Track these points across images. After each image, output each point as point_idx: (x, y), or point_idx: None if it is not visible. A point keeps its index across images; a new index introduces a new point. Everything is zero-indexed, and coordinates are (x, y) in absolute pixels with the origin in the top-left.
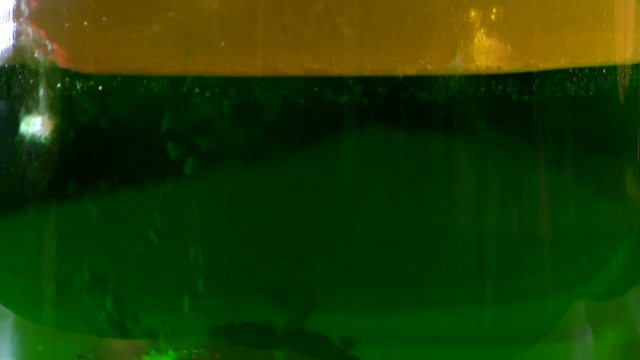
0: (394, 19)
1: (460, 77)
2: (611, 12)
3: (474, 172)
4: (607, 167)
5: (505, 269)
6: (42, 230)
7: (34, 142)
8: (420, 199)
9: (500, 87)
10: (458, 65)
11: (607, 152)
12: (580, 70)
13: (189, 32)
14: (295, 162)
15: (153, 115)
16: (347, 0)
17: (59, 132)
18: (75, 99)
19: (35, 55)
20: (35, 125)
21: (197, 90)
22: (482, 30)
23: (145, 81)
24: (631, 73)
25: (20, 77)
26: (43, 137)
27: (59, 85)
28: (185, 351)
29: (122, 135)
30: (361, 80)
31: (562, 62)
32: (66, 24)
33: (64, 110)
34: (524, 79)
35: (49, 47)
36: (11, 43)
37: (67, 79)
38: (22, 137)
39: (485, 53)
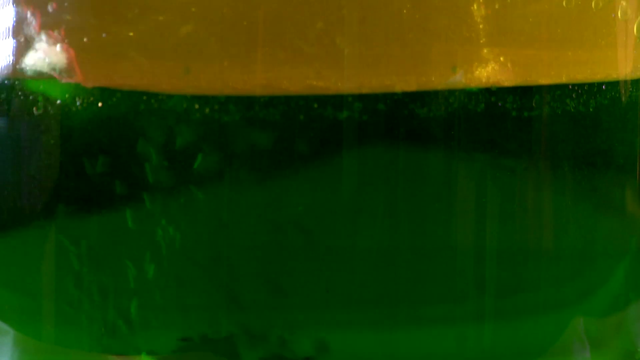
0: (394, 35)
1: (460, 93)
2: (611, 29)
3: (474, 189)
4: (607, 184)
5: (505, 286)
6: (43, 247)
7: (33, 159)
8: (420, 215)
9: (500, 104)
10: (458, 81)
11: (606, 168)
12: (580, 86)
13: (188, 48)
14: (295, 177)
15: (153, 131)
16: (347, 18)
17: (58, 148)
18: (75, 114)
19: (36, 71)
20: (34, 142)
21: (196, 106)
22: (481, 46)
23: (145, 97)
24: (631, 89)
25: (20, 92)
26: (42, 153)
27: (58, 101)
28: None
29: (122, 151)
30: (361, 96)
31: (561, 78)
32: (66, 40)
33: (64, 126)
34: (524, 95)
35: (49, 63)
36: (11, 59)
37: (66, 95)
38: (21, 154)
39: (484, 69)
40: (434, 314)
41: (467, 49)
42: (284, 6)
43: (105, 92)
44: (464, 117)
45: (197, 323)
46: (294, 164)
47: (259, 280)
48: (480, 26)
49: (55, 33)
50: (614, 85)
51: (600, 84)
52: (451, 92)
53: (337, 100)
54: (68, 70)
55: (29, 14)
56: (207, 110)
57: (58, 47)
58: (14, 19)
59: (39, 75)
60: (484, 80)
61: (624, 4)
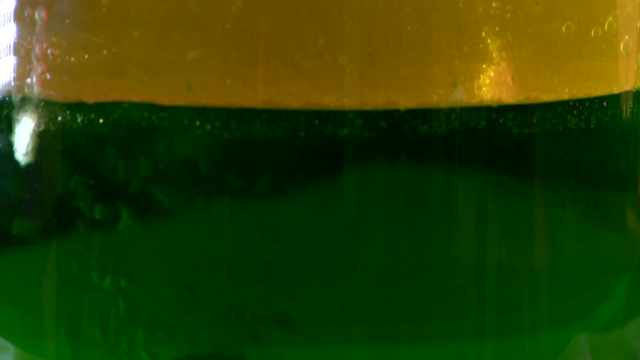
0: (395, 52)
1: (461, 110)
2: (612, 46)
3: (475, 205)
4: (608, 200)
5: (507, 302)
6: (44, 264)
7: (34, 176)
8: (421, 231)
9: (501, 120)
10: (459, 98)
11: (607, 184)
12: (581, 102)
13: (190, 65)
14: (296, 194)
15: (154, 147)
16: (348, 35)
17: (59, 165)
18: (76, 131)
19: (37, 87)
20: (35, 158)
21: (197, 123)
22: (482, 63)
23: (146, 114)
24: (632, 106)
25: (21, 109)
26: (43, 170)
27: (59, 117)
28: None
29: (122, 168)
30: (362, 113)
31: (562, 94)
32: (67, 56)
33: (64, 142)
34: (525, 111)
35: (50, 80)
36: (12, 76)
37: (68, 111)
38: (22, 171)
39: (486, 86)
40: (436, 331)
41: (469, 66)
42: (285, 23)
43: (106, 109)
44: (465, 134)
45: (202, 342)
46: (295, 180)
47: (261, 296)
48: (482, 43)
49: (57, 50)
50: (614, 101)
51: (601, 101)
52: (452, 109)
53: (338, 117)
54: (69, 86)
55: (30, 31)
56: (208, 126)
57: (59, 63)
58: (15, 35)
59: (40, 92)
60: (485, 97)
61: (625, 21)
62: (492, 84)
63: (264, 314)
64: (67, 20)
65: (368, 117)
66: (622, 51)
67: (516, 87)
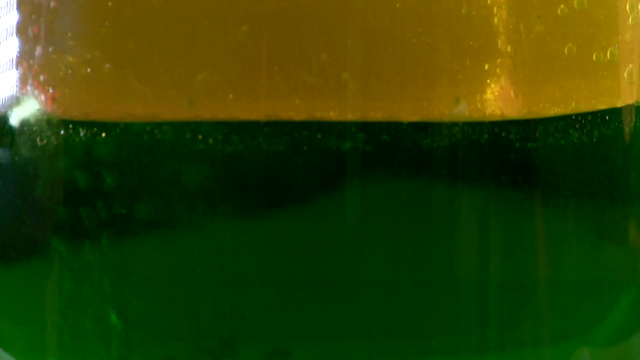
0: (398, 66)
1: (464, 124)
2: (615, 60)
3: (477, 219)
4: (611, 214)
5: (510, 318)
6: (46, 279)
7: (35, 191)
8: (424, 245)
9: (503, 134)
10: (461, 112)
11: (610, 199)
12: (584, 116)
13: (192, 79)
14: (298, 207)
15: (156, 162)
16: (351, 49)
17: (61, 180)
18: (78, 146)
19: (38, 102)
20: (37, 174)
21: (200, 137)
22: (485, 77)
23: (148, 128)
24: (634, 120)
25: (22, 124)
26: (44, 185)
27: (61, 132)
28: None
29: (125, 183)
30: (364, 127)
31: (565, 109)
32: (70, 71)
33: (66, 158)
34: (527, 126)
35: (53, 94)
36: (14, 91)
37: (69, 126)
38: (23, 186)
39: (488, 100)
40: (438, 347)
41: (471, 80)
42: (287, 37)
43: (108, 124)
44: (467, 148)
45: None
46: (297, 193)
47: (262, 306)
48: (484, 58)
49: (59, 64)
50: (617, 115)
51: (603, 115)
52: (455, 123)
53: (341, 131)
54: (71, 101)
55: (31, 45)
56: (210, 140)
57: (61, 78)
58: (17, 50)
59: (42, 107)
60: (487, 111)
61: (627, 35)
62: (494, 98)
63: (265, 330)
64: (69, 34)
65: (371, 131)
66: (625, 66)
67: (519, 101)
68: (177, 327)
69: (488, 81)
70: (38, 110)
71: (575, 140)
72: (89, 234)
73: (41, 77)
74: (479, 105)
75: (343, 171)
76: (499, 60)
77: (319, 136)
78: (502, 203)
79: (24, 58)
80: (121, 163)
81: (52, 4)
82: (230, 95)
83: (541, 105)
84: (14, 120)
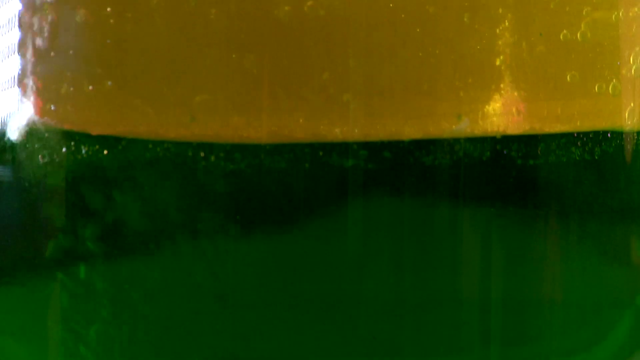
0: (399, 84)
1: (465, 141)
2: (617, 77)
3: (479, 237)
4: (612, 232)
5: (511, 336)
6: (49, 297)
7: (37, 207)
8: (426, 264)
9: (505, 152)
10: (463, 129)
11: (612, 217)
12: (585, 134)
13: (194, 97)
14: (300, 225)
15: (158, 179)
16: (353, 68)
17: (63, 197)
18: (80, 162)
19: (41, 118)
20: (39, 190)
21: (202, 154)
22: (487, 94)
23: (150, 145)
24: (636, 138)
25: (25, 140)
26: (46, 201)
27: (64, 149)
28: None
29: (126, 200)
30: (366, 144)
31: (567, 126)
32: (72, 88)
33: (69, 174)
34: (529, 143)
35: (55, 111)
36: (16, 106)
37: (72, 143)
38: (26, 202)
39: (490, 117)
40: None
41: (473, 98)
42: (290, 55)
43: (110, 140)
44: (469, 165)
45: None
46: (299, 211)
47: (265, 327)
48: (486, 74)
49: (61, 81)
50: (619, 133)
51: (605, 132)
52: (456, 140)
53: (343, 148)
54: (73, 118)
55: (33, 63)
56: (212, 158)
57: (63, 95)
58: (19, 67)
59: (44, 123)
60: (489, 128)
61: (629, 53)
62: (496, 115)
63: (267, 351)
64: (71, 52)
65: (372, 148)
66: (627, 83)
67: (520, 118)
68: (179, 347)
69: (489, 98)
70: (39, 127)
71: (577, 158)
72: (89, 251)
73: (42, 94)
74: (480, 122)
75: (345, 188)
76: (500, 77)
77: (321, 153)
78: (503, 220)
79: (25, 75)
80: (123, 180)
81: (53, 22)
82: (233, 114)
83: (543, 122)
84: (15, 137)
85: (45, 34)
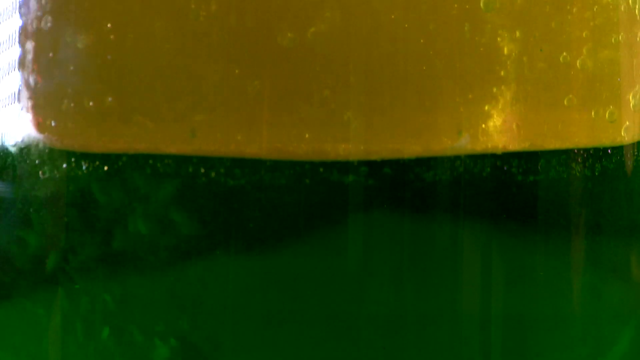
0: (400, 100)
1: (466, 157)
2: (617, 94)
3: (480, 253)
4: (613, 248)
5: (512, 352)
6: (49, 314)
7: (38, 224)
8: (426, 280)
9: (505, 168)
10: (463, 145)
11: (612, 232)
12: (585, 150)
13: (195, 112)
14: (300, 241)
15: (159, 195)
16: (353, 84)
17: (64, 214)
18: (81, 179)
19: (41, 135)
20: (40, 206)
21: (202, 170)
22: (487, 110)
23: (151, 161)
24: (636, 153)
25: (25, 157)
26: (47, 218)
27: (64, 165)
28: None
29: (128, 216)
30: (367, 160)
31: (567, 142)
32: (72, 104)
33: (69, 191)
34: (529, 159)
35: (54, 127)
36: (17, 123)
37: (72, 159)
38: (27, 219)
39: (490, 133)
40: None
41: (473, 113)
42: (290, 72)
43: (111, 156)
44: (469, 181)
45: None
46: (299, 227)
47: (265, 342)
48: (486, 91)
49: (61, 97)
50: (619, 149)
51: (605, 148)
52: (457, 156)
53: (343, 164)
54: (74, 134)
55: (34, 79)
56: (212, 174)
57: (64, 111)
58: (20, 84)
59: (45, 140)
60: (489, 144)
61: (628, 69)
62: (496, 131)
63: None
64: (71, 67)
65: (373, 165)
66: (627, 99)
67: (521, 134)
68: None
69: (490, 114)
70: (40, 143)
71: (577, 174)
72: (90, 268)
73: (42, 110)
74: (481, 138)
75: (346, 205)
76: (501, 93)
77: (321, 170)
78: (504, 236)
79: (25, 92)
80: (124, 196)
81: (54, 38)
82: (233, 130)
83: (543, 138)
84: (16, 153)
85: (46, 51)
